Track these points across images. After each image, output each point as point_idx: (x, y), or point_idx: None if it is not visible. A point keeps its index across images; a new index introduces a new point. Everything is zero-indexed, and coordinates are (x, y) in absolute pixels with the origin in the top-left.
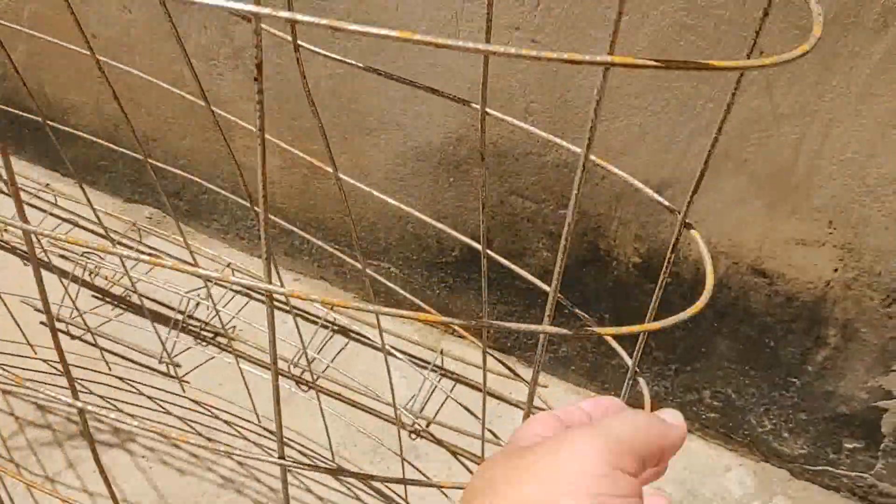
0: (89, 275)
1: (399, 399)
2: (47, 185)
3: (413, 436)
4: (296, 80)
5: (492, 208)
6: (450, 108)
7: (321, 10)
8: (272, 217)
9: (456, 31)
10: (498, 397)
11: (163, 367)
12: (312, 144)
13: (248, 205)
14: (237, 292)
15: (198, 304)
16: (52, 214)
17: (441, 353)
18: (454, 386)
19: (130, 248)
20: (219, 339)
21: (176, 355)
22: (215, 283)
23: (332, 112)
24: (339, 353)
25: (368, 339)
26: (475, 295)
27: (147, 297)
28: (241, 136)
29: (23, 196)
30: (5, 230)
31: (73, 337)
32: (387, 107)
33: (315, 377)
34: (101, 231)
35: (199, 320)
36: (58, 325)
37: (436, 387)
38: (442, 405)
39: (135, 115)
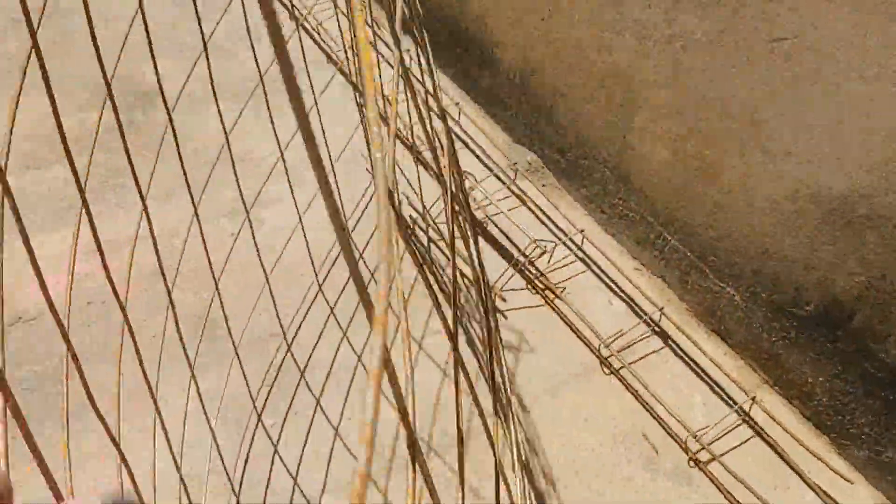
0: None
1: (692, 422)
2: (458, 103)
3: (692, 463)
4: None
5: (870, 278)
6: (869, 160)
7: None
8: (644, 203)
9: None
10: (791, 466)
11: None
12: (706, 149)
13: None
14: (580, 259)
15: (542, 253)
16: (452, 131)
17: (753, 399)
18: (751, 437)
19: (502, 182)
20: (547, 292)
21: (505, 290)
22: (562, 243)
23: (736, 121)
24: (650, 353)
25: (684, 353)
26: (812, 358)
27: (500, 230)
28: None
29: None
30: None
31: (428, 241)
32: (800, 135)
33: (620, 365)
34: (485, 158)
35: (536, 269)
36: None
37: (734, 428)
38: (732, 449)
39: (553, 68)
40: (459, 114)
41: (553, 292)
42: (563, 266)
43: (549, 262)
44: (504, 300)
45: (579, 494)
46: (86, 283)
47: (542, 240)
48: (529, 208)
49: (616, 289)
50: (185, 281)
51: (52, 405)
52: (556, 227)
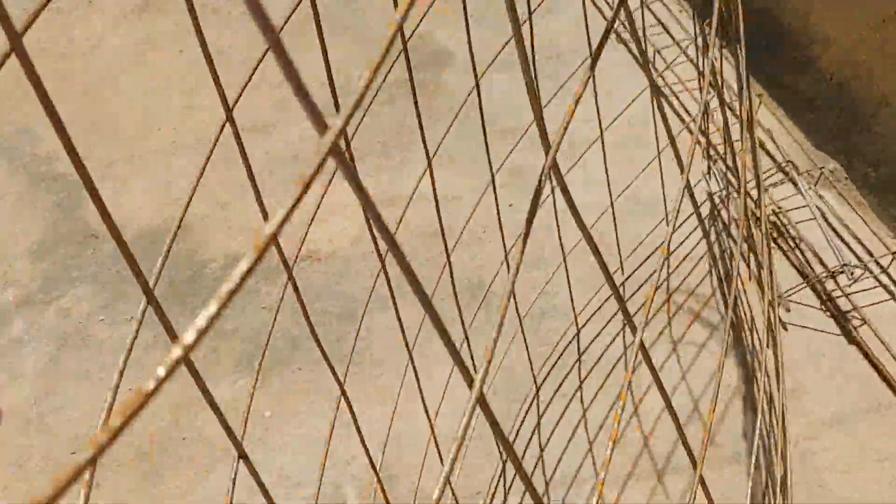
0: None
1: None
2: (760, 95)
3: None
4: None
5: None
6: None
7: None
8: None
9: None
10: None
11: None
12: None
13: None
14: (882, 285)
15: (840, 273)
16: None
17: None
18: None
19: (797, 188)
20: (843, 318)
21: (789, 296)
22: (865, 267)
23: None
24: None
25: None
26: None
27: (801, 240)
28: None
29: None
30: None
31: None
32: None
33: None
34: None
35: (824, 291)
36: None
37: None
38: None
39: (882, 74)
40: (759, 105)
41: (847, 323)
42: (864, 291)
43: (850, 285)
44: (788, 310)
45: None
46: (367, 235)
47: (849, 264)
48: (829, 222)
49: None
50: (462, 247)
51: (329, 347)
52: (855, 246)
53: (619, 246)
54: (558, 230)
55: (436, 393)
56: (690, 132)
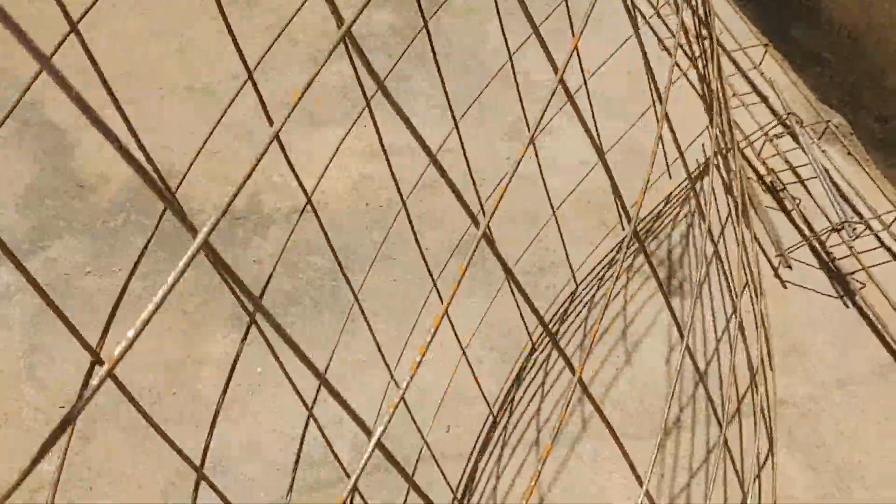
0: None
1: None
2: (766, 44)
3: None
4: None
5: None
6: None
7: None
8: None
9: None
10: None
11: (774, 261)
12: None
13: None
14: (883, 245)
15: (841, 230)
16: (745, 75)
17: None
18: None
19: (797, 142)
20: (843, 279)
21: (790, 252)
22: (866, 225)
23: None
24: None
25: None
26: None
27: (795, 197)
28: None
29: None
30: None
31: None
32: None
33: None
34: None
35: (825, 250)
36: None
37: None
38: None
39: None
40: (764, 56)
41: (851, 281)
42: (866, 252)
43: (852, 241)
44: (790, 268)
45: (860, 499)
46: (363, 185)
47: (850, 220)
48: (832, 178)
49: None
50: (455, 199)
51: (324, 300)
52: (858, 203)
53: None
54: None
55: (435, 351)
56: (674, 61)
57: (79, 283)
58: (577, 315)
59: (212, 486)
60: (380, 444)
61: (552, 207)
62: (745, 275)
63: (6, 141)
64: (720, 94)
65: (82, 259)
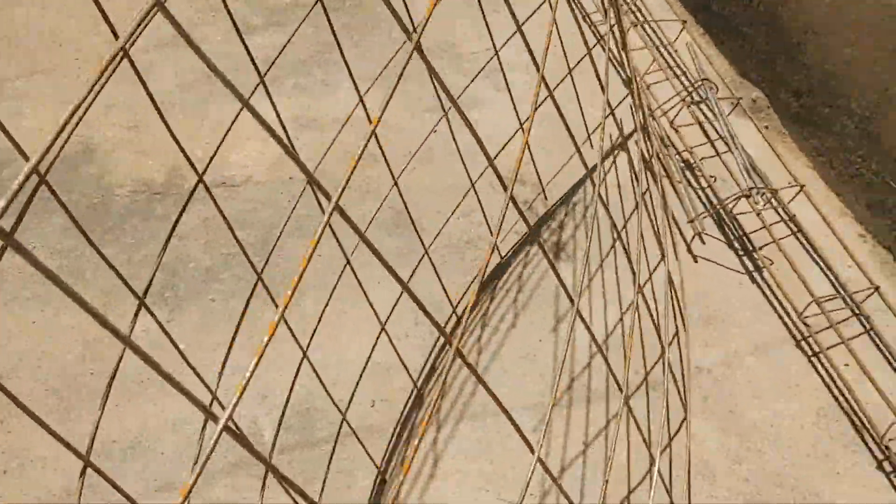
0: (666, 115)
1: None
2: (684, 21)
3: (886, 465)
4: None
5: None
6: None
7: None
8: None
9: None
10: None
11: (687, 234)
12: None
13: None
14: (784, 220)
15: (751, 209)
16: (661, 50)
17: None
18: None
19: (715, 116)
20: (751, 255)
21: (706, 234)
22: (775, 196)
23: None
24: (856, 336)
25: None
26: None
27: (712, 176)
28: None
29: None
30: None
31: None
32: None
33: (817, 349)
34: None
35: (737, 222)
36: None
37: None
38: None
39: (812, 2)
40: (680, 32)
41: (756, 256)
42: (773, 224)
43: (757, 214)
44: (703, 242)
45: (770, 459)
46: (287, 157)
47: (755, 188)
48: (743, 151)
49: (826, 255)
50: (385, 171)
51: (246, 276)
52: (761, 175)
53: (538, 172)
54: (463, 160)
55: (359, 325)
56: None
57: None
58: (504, 288)
59: (98, 471)
60: (227, 428)
61: (470, 180)
62: (659, 229)
63: None
64: (629, 68)
65: None
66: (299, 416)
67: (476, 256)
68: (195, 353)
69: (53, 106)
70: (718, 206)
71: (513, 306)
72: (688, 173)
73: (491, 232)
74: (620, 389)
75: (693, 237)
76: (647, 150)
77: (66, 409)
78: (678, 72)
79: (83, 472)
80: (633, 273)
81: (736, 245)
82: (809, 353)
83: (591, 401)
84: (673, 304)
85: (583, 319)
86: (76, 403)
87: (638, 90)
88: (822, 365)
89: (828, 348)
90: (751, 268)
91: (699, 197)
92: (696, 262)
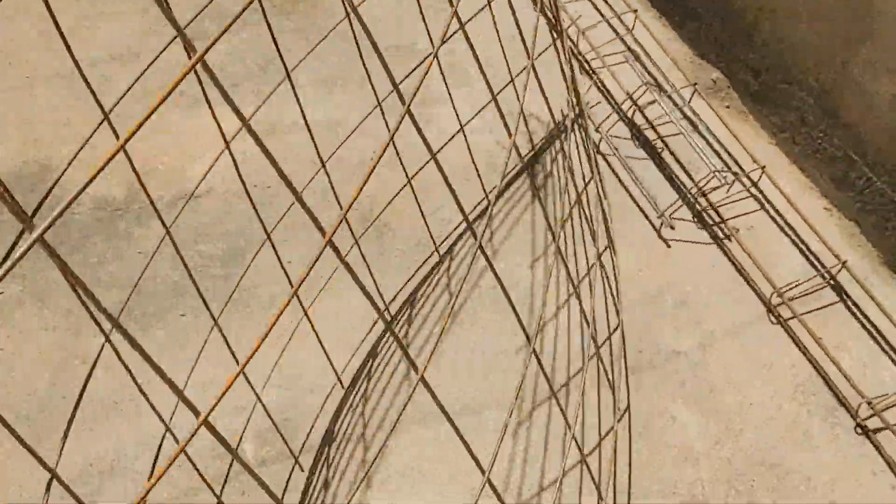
0: (631, 109)
1: (867, 386)
2: (635, 10)
3: (858, 430)
4: None
5: None
6: None
7: None
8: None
9: None
10: None
11: (656, 222)
12: None
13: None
14: (754, 196)
15: (717, 187)
16: (623, 40)
17: None
18: None
19: (677, 104)
20: (718, 228)
21: (674, 218)
22: (738, 178)
23: None
24: (825, 306)
25: (862, 311)
26: None
27: (674, 155)
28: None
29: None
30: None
31: (600, 154)
32: None
33: (790, 315)
34: (658, 72)
35: (708, 201)
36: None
37: None
38: None
39: None
40: (634, 21)
41: (726, 230)
42: (738, 201)
43: (726, 194)
44: (672, 228)
45: (749, 440)
46: (247, 166)
47: (722, 170)
48: (701, 134)
49: (796, 231)
50: (347, 173)
51: (214, 289)
52: (732, 156)
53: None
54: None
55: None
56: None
57: None
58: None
59: (66, 487)
60: (206, 423)
61: (408, 178)
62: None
63: None
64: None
65: None
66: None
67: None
68: (167, 370)
69: (10, 126)
70: (691, 192)
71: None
72: (649, 154)
73: (429, 230)
74: (548, 380)
75: (661, 224)
76: (584, 139)
77: (37, 436)
78: (639, 55)
79: (48, 487)
80: (567, 267)
81: (706, 219)
82: (784, 318)
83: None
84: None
85: (517, 316)
86: (49, 429)
87: (574, 82)
88: (797, 338)
89: (802, 314)
90: (721, 236)
91: (673, 184)
92: (668, 247)
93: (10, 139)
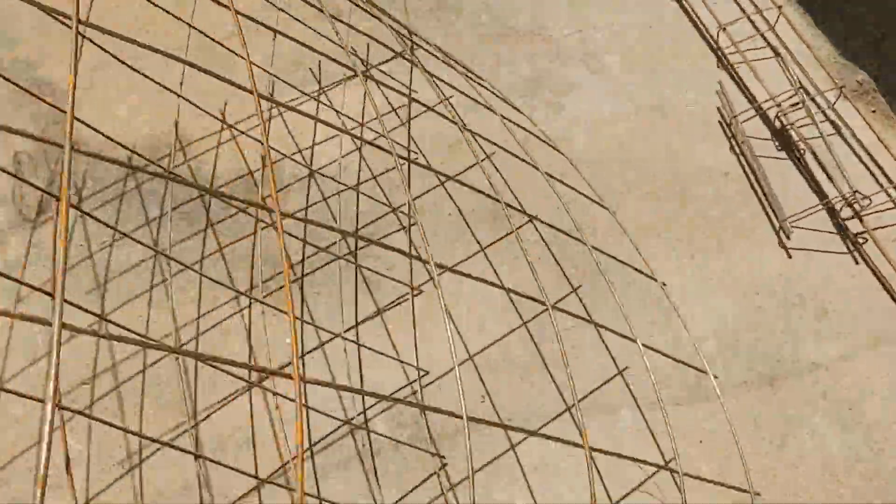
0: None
1: None
2: (780, 6)
3: None
4: None
5: None
6: None
7: None
8: None
9: None
10: None
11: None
12: None
13: None
14: None
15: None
16: (764, 37)
17: None
18: None
19: (820, 107)
20: (861, 238)
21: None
22: (886, 189)
23: None
24: None
25: None
26: None
27: (818, 159)
28: None
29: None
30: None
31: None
32: None
33: None
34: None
35: (853, 210)
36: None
37: None
38: None
39: None
40: (777, 18)
41: (854, 241)
42: (884, 211)
43: (867, 206)
44: (788, 237)
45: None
46: (370, 147)
47: (859, 193)
48: (845, 139)
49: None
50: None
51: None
52: (877, 163)
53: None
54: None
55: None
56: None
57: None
58: None
59: None
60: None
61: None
62: None
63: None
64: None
65: (96, 228)
66: (411, 412)
67: (582, 248)
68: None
69: (147, 95)
70: (825, 205)
71: None
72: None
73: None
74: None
75: (780, 230)
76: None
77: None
78: (782, 53)
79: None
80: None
81: (846, 228)
82: None
83: None
84: None
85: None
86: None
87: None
88: None
89: None
90: (851, 248)
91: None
92: (790, 258)
93: (147, 108)
